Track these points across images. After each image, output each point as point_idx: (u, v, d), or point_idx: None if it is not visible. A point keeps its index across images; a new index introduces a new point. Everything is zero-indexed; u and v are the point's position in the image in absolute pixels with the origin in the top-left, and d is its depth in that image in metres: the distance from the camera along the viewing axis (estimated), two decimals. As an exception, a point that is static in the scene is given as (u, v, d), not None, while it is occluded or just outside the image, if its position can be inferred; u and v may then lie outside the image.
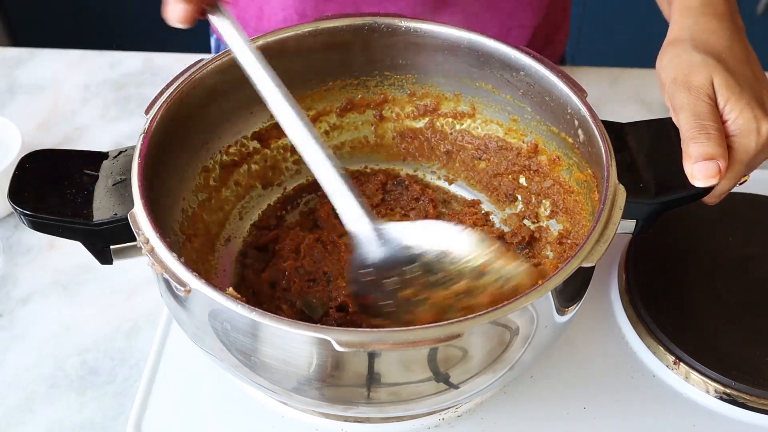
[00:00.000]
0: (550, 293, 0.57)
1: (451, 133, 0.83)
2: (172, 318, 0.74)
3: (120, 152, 0.66)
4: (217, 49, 1.13)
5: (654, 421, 0.71)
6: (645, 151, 0.68)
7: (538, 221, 0.78)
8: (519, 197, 0.80)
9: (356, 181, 0.84)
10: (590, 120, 0.67)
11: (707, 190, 0.66)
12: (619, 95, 1.05)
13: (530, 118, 0.77)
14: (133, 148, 0.64)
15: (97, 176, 0.65)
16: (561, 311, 0.61)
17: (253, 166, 0.81)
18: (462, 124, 0.83)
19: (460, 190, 0.84)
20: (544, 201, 0.78)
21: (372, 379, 0.57)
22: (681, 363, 0.72)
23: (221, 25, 0.64)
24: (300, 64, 0.78)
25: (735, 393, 0.70)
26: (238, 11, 0.99)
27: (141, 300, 0.81)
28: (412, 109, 0.83)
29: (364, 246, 0.65)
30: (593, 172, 0.69)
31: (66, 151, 0.67)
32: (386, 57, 0.79)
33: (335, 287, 0.73)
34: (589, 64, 1.11)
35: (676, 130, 0.66)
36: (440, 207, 0.82)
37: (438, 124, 0.83)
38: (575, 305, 0.63)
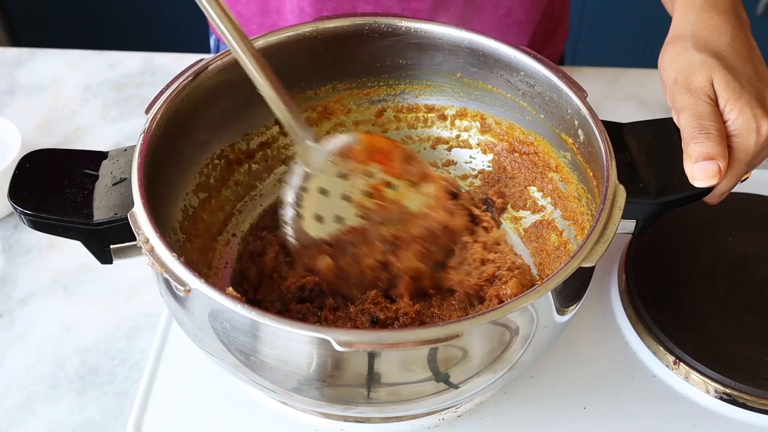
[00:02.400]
0: (550, 293, 0.57)
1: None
2: (172, 318, 0.74)
3: (120, 152, 0.66)
4: (217, 49, 1.13)
5: (654, 421, 0.71)
6: (645, 151, 0.68)
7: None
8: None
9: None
10: (590, 120, 0.67)
11: (707, 191, 0.66)
12: (619, 95, 1.05)
13: (530, 118, 0.77)
14: (133, 147, 0.64)
15: (97, 176, 0.65)
16: (561, 311, 0.61)
17: (254, 166, 0.81)
18: (462, 122, 0.83)
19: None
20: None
21: (372, 379, 0.57)
22: (681, 363, 0.72)
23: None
24: (300, 64, 0.78)
25: (735, 393, 0.70)
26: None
27: (141, 300, 0.81)
28: (411, 106, 0.84)
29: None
30: (593, 173, 0.69)
31: (66, 151, 0.67)
32: (386, 57, 0.79)
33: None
34: (589, 64, 1.11)
35: (677, 131, 0.66)
36: None
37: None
38: (575, 305, 0.63)
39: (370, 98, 0.83)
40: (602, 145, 0.65)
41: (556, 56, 1.11)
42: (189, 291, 0.55)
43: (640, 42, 1.47)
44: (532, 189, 0.80)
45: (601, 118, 0.68)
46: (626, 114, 1.00)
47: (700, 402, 0.72)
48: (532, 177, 0.80)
